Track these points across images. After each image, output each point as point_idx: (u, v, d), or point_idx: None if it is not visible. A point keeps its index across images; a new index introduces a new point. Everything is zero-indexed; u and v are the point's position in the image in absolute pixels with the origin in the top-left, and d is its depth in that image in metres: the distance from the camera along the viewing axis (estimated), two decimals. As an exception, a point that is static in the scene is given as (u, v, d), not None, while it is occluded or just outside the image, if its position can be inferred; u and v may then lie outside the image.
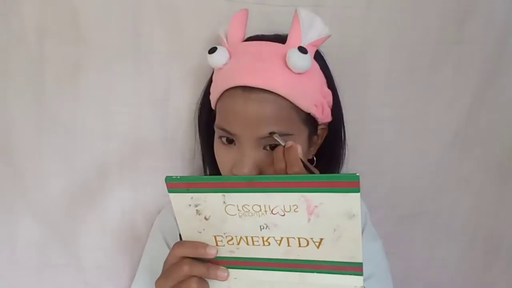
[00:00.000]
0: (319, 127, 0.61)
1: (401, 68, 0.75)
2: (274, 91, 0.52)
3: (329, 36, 0.57)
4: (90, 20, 0.67)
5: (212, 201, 0.44)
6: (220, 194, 0.44)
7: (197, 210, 0.45)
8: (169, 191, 0.45)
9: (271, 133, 0.53)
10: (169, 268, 0.47)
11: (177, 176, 0.44)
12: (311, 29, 0.55)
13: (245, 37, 0.60)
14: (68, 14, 0.67)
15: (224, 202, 0.44)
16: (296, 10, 0.55)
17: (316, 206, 0.42)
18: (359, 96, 0.75)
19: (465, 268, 0.87)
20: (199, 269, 0.46)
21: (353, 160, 0.72)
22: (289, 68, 0.53)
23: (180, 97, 0.72)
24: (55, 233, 0.74)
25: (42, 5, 0.66)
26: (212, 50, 0.56)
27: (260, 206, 0.43)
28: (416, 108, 0.78)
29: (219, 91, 0.57)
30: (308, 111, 0.56)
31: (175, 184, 0.44)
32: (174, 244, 0.48)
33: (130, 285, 0.69)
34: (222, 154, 0.58)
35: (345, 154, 0.68)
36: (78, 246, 0.74)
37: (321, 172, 0.50)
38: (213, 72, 0.60)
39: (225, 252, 0.47)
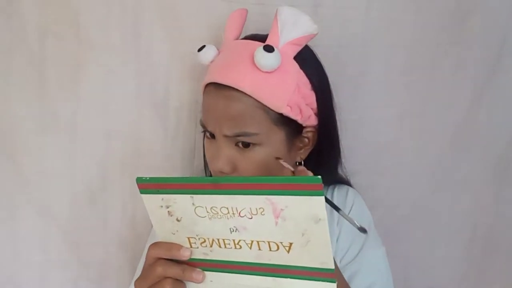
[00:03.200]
0: (305, 130, 0.59)
1: (401, 68, 0.76)
2: (239, 89, 0.53)
3: (315, 34, 0.55)
4: (90, 20, 0.68)
5: (181, 202, 0.44)
6: (189, 196, 0.43)
7: (168, 211, 0.45)
8: (141, 192, 0.44)
9: (277, 158, 0.53)
10: (145, 268, 0.48)
11: (146, 178, 0.44)
12: (294, 28, 0.54)
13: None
14: (69, 14, 0.67)
15: (193, 204, 0.43)
16: (277, 10, 0.55)
17: (282, 209, 0.41)
18: (358, 96, 0.75)
19: (464, 267, 0.87)
20: (173, 271, 0.46)
21: (352, 159, 0.72)
22: (258, 67, 0.53)
23: (180, 97, 0.72)
24: (57, 230, 0.74)
25: (43, 5, 0.67)
26: (200, 48, 0.59)
27: (227, 208, 0.42)
28: (415, 108, 0.78)
29: (202, 87, 0.59)
30: (279, 111, 0.54)
31: (145, 185, 0.44)
32: (150, 245, 0.48)
33: (131, 280, 0.70)
34: (207, 147, 0.60)
35: (340, 156, 0.67)
36: (80, 243, 0.75)
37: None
38: None
39: (199, 254, 0.46)
